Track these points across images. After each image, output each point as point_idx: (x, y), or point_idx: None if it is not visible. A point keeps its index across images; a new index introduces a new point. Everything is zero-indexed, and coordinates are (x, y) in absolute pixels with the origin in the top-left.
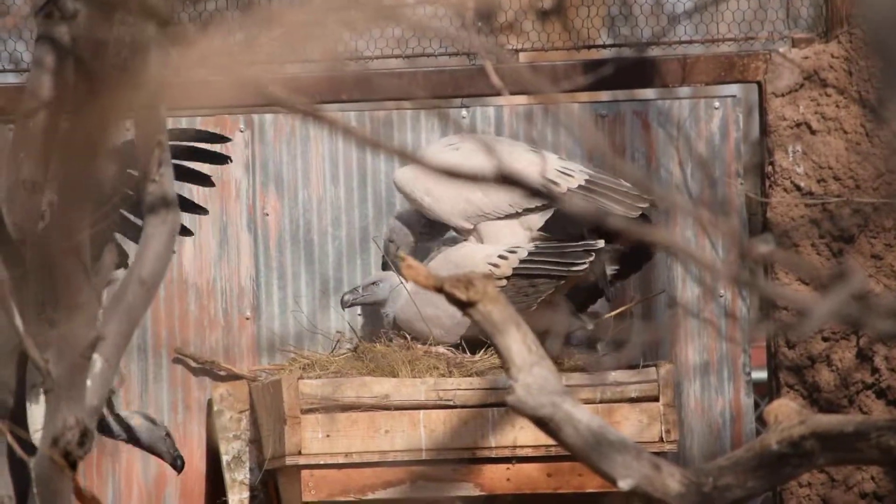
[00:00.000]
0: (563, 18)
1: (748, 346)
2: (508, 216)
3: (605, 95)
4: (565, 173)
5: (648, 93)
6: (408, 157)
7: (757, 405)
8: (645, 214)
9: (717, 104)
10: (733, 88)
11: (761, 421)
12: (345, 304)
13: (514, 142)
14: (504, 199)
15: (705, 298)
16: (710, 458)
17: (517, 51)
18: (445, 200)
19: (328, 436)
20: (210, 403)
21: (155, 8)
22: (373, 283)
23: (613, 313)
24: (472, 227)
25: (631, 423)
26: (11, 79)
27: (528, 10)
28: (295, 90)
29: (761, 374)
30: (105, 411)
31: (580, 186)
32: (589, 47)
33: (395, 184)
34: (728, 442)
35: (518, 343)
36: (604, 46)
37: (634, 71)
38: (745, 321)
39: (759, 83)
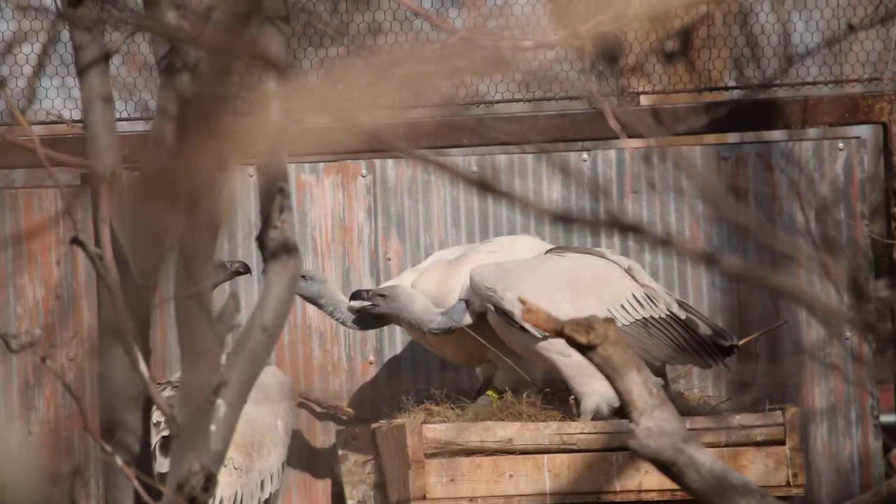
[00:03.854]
0: (687, 60)
1: (875, 389)
2: None
3: (732, 137)
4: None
5: (773, 134)
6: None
7: (888, 449)
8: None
9: (841, 145)
10: (858, 129)
11: (890, 465)
12: (358, 305)
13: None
14: (592, 310)
15: (831, 341)
16: (838, 503)
17: (638, 94)
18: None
19: (452, 480)
20: (335, 448)
21: (273, 57)
22: (381, 296)
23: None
24: (540, 337)
25: (757, 467)
26: (141, 127)
27: (654, 53)
28: (416, 135)
29: (891, 417)
30: None
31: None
32: (711, 89)
33: (471, 279)
34: (857, 486)
35: (639, 386)
36: (726, 88)
37: (757, 112)
38: (871, 363)
39: (884, 124)
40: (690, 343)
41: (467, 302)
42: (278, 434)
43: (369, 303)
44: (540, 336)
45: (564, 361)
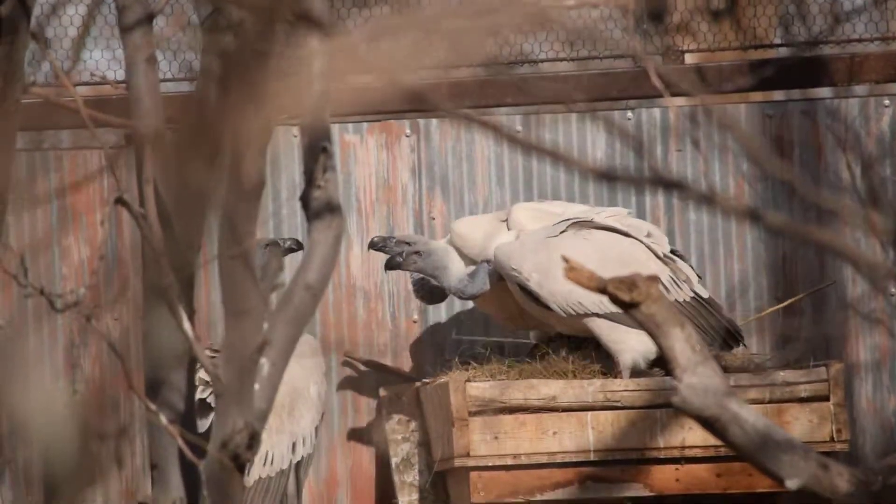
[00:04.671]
0: (733, 18)
1: None
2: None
3: (777, 95)
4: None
5: (819, 92)
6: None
7: None
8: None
9: (886, 102)
10: None
11: None
12: (396, 265)
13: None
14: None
15: (875, 297)
16: (883, 458)
17: (683, 52)
18: (557, 284)
19: (496, 438)
20: (379, 406)
21: (316, 15)
22: (417, 253)
23: (781, 305)
24: (565, 315)
25: (801, 423)
26: (184, 87)
27: (700, 11)
28: (460, 94)
29: None
30: None
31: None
32: (757, 47)
33: (496, 257)
34: None
35: (682, 343)
36: (772, 46)
37: (803, 70)
38: None
39: None
40: (713, 325)
41: (488, 262)
42: (311, 399)
43: (402, 261)
44: (564, 315)
45: (596, 321)
